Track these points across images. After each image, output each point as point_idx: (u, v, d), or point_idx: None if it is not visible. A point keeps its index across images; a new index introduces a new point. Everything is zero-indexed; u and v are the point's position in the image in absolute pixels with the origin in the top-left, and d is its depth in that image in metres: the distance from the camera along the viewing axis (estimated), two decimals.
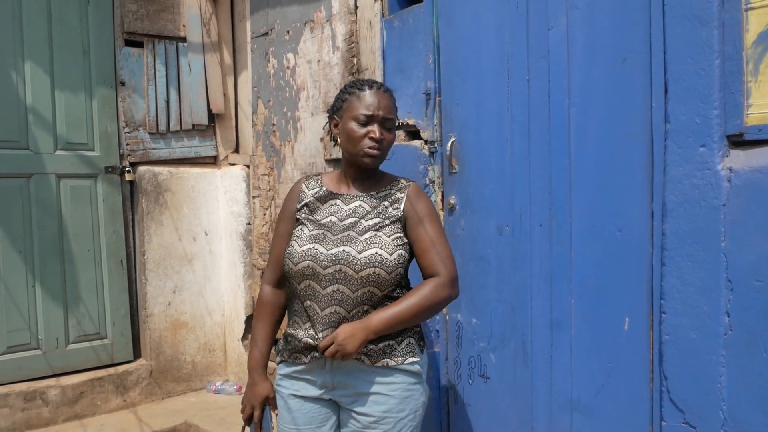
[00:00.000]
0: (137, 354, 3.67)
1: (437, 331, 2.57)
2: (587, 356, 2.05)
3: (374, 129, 1.67)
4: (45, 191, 3.33)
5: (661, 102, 1.82)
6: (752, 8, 1.67)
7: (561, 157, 2.10)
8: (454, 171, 2.46)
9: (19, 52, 3.24)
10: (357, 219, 1.70)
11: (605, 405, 2.01)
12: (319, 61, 3.13)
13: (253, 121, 3.67)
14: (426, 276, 1.71)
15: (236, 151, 3.95)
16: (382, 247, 1.63)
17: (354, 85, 1.75)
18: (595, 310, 2.03)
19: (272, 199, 3.51)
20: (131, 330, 3.63)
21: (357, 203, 1.73)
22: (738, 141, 1.70)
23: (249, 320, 3.74)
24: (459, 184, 2.45)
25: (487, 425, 2.39)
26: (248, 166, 3.76)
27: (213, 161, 3.93)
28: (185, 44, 3.74)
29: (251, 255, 3.72)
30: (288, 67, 3.34)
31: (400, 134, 2.67)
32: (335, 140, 1.78)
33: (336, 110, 1.76)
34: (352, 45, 2.94)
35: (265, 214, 3.57)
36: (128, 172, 3.56)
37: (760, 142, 1.67)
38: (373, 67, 2.82)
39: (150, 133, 3.65)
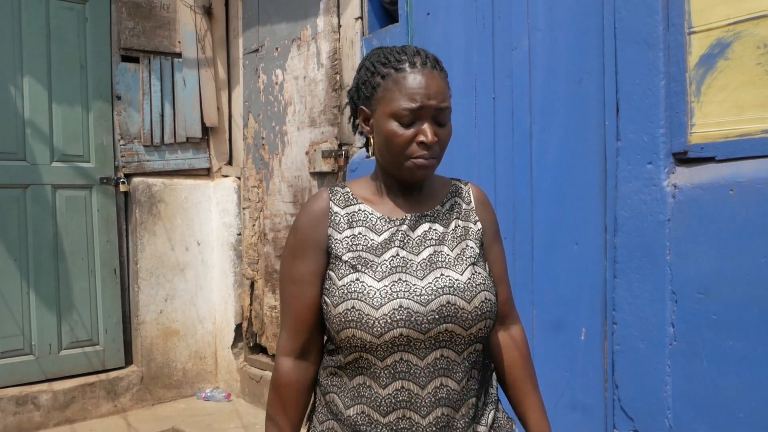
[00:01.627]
0: (129, 360, 3.76)
1: None
2: (548, 366, 2.12)
3: (425, 129, 1.12)
4: (41, 201, 3.45)
5: (613, 121, 1.90)
6: (694, 32, 1.75)
7: (523, 173, 2.18)
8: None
9: (18, 67, 3.38)
10: (435, 249, 1.16)
11: (564, 414, 2.07)
12: (305, 77, 3.24)
13: (244, 135, 3.78)
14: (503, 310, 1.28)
15: (229, 163, 4.06)
16: (488, 289, 1.15)
17: (387, 58, 1.16)
18: (555, 321, 2.10)
19: (261, 210, 3.61)
20: (123, 337, 3.73)
21: (425, 226, 1.18)
22: (683, 158, 1.78)
23: (238, 328, 3.83)
24: None
25: None
26: (239, 178, 3.86)
27: (206, 173, 4.04)
28: (180, 60, 3.86)
29: (241, 265, 3.81)
30: (276, 83, 3.45)
31: None
32: (365, 138, 1.23)
33: (364, 98, 1.19)
34: (336, 62, 3.04)
35: (254, 225, 3.67)
36: (123, 183, 3.68)
37: (703, 159, 1.74)
38: None
39: (145, 146, 3.77)
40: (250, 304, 3.72)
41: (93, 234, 3.62)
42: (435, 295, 1.09)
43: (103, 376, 3.59)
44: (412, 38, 2.58)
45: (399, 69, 1.13)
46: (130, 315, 3.77)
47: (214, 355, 4.01)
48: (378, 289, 1.09)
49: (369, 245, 1.15)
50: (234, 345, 3.85)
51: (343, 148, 3.01)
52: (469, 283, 1.12)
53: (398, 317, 1.07)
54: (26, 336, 3.40)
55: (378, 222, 1.18)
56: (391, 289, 1.09)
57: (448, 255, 1.16)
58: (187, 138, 3.89)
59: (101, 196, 3.64)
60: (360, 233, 1.16)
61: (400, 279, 1.11)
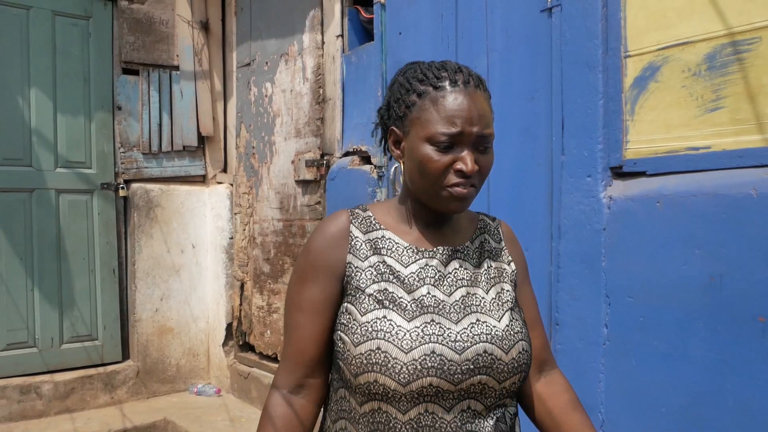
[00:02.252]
0: (126, 356, 3.96)
1: None
2: None
3: (465, 157, 0.99)
4: (45, 205, 3.66)
5: (559, 136, 2.06)
6: (629, 56, 1.90)
7: (485, 190, 2.33)
8: (396, 193, 2.70)
9: (26, 79, 3.60)
10: (468, 291, 1.04)
11: None
12: (291, 90, 3.42)
13: (236, 144, 3.97)
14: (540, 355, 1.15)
15: (224, 170, 4.25)
16: (525, 338, 1.04)
17: (425, 74, 1.03)
18: None
19: (251, 216, 3.79)
20: (120, 333, 3.93)
21: (456, 263, 1.06)
22: (618, 172, 1.93)
23: (229, 328, 4.01)
24: None
25: None
26: (232, 185, 4.05)
27: (202, 180, 4.23)
28: (178, 72, 4.07)
29: (232, 267, 4.00)
30: (266, 95, 3.64)
31: (355, 158, 2.93)
32: (392, 156, 1.10)
33: (396, 118, 1.06)
34: (319, 77, 3.22)
35: (244, 230, 3.85)
36: (122, 188, 3.88)
37: (636, 174, 1.89)
38: (335, 97, 3.10)
39: (143, 154, 3.97)
40: (240, 305, 3.90)
41: (93, 236, 3.82)
42: (471, 342, 0.97)
43: (101, 369, 3.78)
44: (386, 55, 2.75)
45: (438, 87, 1.00)
46: (127, 313, 3.97)
47: (207, 353, 4.19)
48: (408, 330, 0.96)
49: (396, 278, 1.02)
50: (225, 343, 4.03)
51: (325, 158, 3.18)
52: (508, 331, 1.00)
53: (429, 364, 0.94)
54: (30, 330, 3.60)
55: (405, 252, 1.04)
56: (423, 331, 0.96)
57: (483, 298, 1.03)
58: (184, 146, 4.09)
59: (102, 201, 3.85)
60: (385, 263, 1.03)
61: (432, 321, 0.97)
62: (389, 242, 1.05)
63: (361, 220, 1.07)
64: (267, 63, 3.63)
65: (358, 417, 1.00)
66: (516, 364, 1.00)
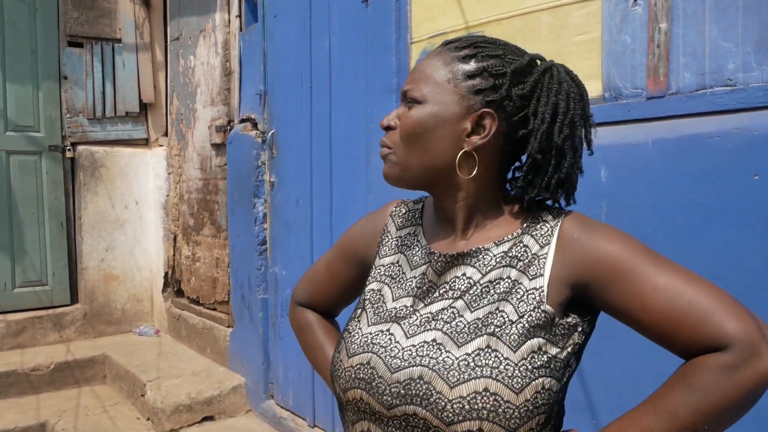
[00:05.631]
0: (74, 300, 4.48)
1: (266, 281, 3.26)
2: None
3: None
4: None
5: (372, 107, 2.45)
6: (414, 42, 2.29)
7: (328, 149, 2.75)
8: (274, 156, 3.13)
9: None
10: (450, 305, 0.85)
11: None
12: (208, 63, 3.83)
13: (169, 111, 4.40)
14: (695, 355, 0.77)
15: (166, 134, 4.69)
16: (498, 376, 0.77)
17: None
18: None
19: (180, 176, 4.24)
20: (69, 280, 4.44)
21: (457, 270, 0.88)
22: None
23: (166, 276, 4.50)
24: (277, 167, 3.12)
25: (294, 355, 3.08)
26: (170, 147, 4.49)
27: (145, 143, 4.68)
28: (120, 45, 4.48)
29: (167, 221, 4.48)
30: (190, 67, 4.05)
31: (247, 125, 3.35)
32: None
33: None
34: (227, 51, 3.62)
35: (176, 188, 4.31)
36: (69, 150, 4.35)
37: None
38: (236, 70, 3.50)
39: (88, 119, 4.42)
40: (174, 255, 4.38)
41: (42, 193, 4.31)
42: (410, 363, 0.81)
43: (50, 311, 4.31)
44: (266, 34, 3.14)
45: None
46: (76, 262, 4.48)
47: (151, 298, 4.70)
48: (363, 335, 0.88)
49: (397, 281, 0.92)
50: (164, 290, 4.53)
51: (230, 124, 3.60)
52: (463, 361, 0.78)
53: (361, 375, 0.84)
54: None
55: (419, 253, 0.93)
56: (372, 339, 0.86)
57: (460, 316, 0.83)
58: (126, 112, 4.53)
59: (49, 161, 4.32)
60: (398, 263, 0.94)
61: (388, 330, 0.86)
62: (413, 239, 0.95)
63: (404, 214, 1.00)
64: (191, 38, 4.03)
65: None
66: (468, 407, 0.75)
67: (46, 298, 4.35)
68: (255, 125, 3.31)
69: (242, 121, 3.41)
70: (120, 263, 4.56)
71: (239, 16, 3.44)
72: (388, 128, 0.90)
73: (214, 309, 3.88)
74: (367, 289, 0.95)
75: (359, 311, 0.93)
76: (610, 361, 1.64)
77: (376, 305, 0.91)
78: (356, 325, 0.91)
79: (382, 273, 0.95)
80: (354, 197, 2.58)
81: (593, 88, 1.69)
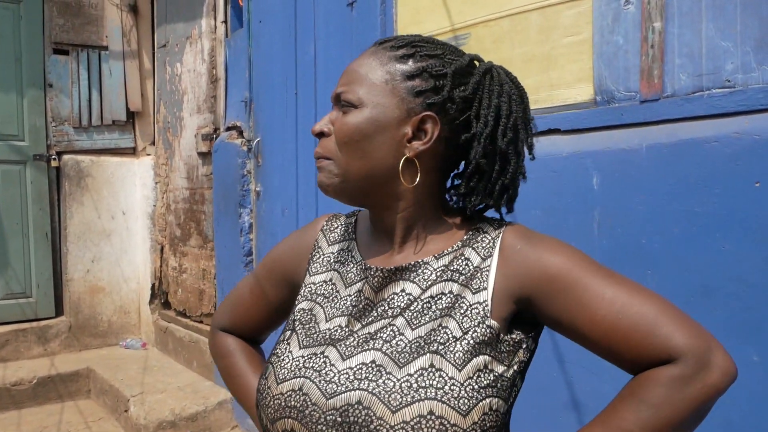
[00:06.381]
0: (59, 312, 4.38)
1: None
2: None
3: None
4: None
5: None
6: None
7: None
8: (259, 165, 3.05)
9: None
10: (390, 323, 0.79)
11: None
12: (194, 70, 3.75)
13: (156, 119, 4.32)
14: (644, 369, 0.74)
15: (153, 143, 4.61)
16: (443, 397, 0.71)
17: None
18: None
19: (167, 185, 4.16)
20: (54, 292, 4.34)
21: (396, 287, 0.82)
22: None
23: (153, 287, 4.41)
24: (262, 176, 3.04)
25: None
26: (157, 156, 4.41)
27: (132, 152, 4.60)
28: (107, 52, 4.41)
29: (154, 231, 4.38)
30: (177, 75, 3.97)
31: (233, 133, 3.26)
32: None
33: None
34: (213, 58, 3.55)
35: (163, 197, 4.22)
36: (54, 159, 4.26)
37: None
38: (222, 77, 3.43)
39: (74, 128, 4.34)
40: (161, 266, 4.29)
41: (27, 203, 4.21)
42: (347, 387, 0.74)
43: (34, 323, 4.20)
44: (251, 40, 3.07)
45: None
46: (61, 273, 4.38)
47: (138, 310, 4.60)
48: (294, 359, 0.80)
49: (329, 300, 0.86)
50: (151, 301, 4.43)
51: (217, 132, 3.52)
52: (406, 383, 0.72)
53: (292, 403, 0.77)
54: None
55: (353, 269, 0.87)
56: (304, 363, 0.79)
57: (400, 334, 0.77)
58: (113, 121, 4.44)
59: (34, 171, 4.23)
60: (332, 281, 0.88)
61: (322, 353, 0.79)
62: (347, 255, 0.89)
63: (336, 228, 0.94)
64: (177, 45, 3.95)
65: None
66: (410, 428, 0.69)
67: (30, 310, 4.24)
68: (241, 133, 3.23)
69: (228, 129, 3.33)
70: (106, 275, 4.46)
71: (225, 21, 3.37)
72: (321, 135, 0.84)
73: (201, 321, 3.78)
74: (296, 309, 0.88)
75: (288, 333, 0.85)
76: (606, 377, 1.56)
77: (307, 326, 0.84)
78: (286, 348, 0.83)
79: (313, 291, 0.89)
80: (339, 207, 2.49)
81: (584, 92, 1.61)
